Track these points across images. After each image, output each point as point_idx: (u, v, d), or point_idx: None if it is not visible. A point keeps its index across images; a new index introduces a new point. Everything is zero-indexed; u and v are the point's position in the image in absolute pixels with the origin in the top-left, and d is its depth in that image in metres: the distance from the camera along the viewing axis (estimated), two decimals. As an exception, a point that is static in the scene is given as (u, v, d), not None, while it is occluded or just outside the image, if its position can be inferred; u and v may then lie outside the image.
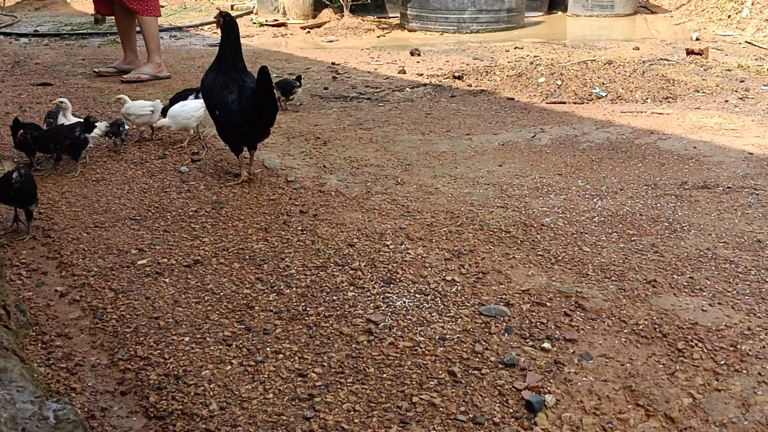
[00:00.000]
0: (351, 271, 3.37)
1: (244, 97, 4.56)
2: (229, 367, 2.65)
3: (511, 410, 2.31)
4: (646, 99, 6.61)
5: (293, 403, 2.42)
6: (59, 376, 2.65)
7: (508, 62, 8.71)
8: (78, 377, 2.64)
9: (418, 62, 9.12)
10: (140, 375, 2.63)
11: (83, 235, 3.92)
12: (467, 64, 8.77)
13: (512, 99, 6.94)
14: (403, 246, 3.60)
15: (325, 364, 2.63)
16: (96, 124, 5.02)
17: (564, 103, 6.66)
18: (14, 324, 2.77)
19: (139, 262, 3.56)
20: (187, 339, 2.85)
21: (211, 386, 2.53)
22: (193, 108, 5.41)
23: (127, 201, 4.44)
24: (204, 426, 2.32)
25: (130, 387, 2.57)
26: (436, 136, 5.76)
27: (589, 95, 6.74)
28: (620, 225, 3.77)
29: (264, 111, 4.53)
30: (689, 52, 8.31)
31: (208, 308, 3.09)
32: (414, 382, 2.48)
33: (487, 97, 7.08)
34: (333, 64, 9.09)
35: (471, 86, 7.61)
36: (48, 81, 8.02)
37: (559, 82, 7.09)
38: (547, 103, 6.73)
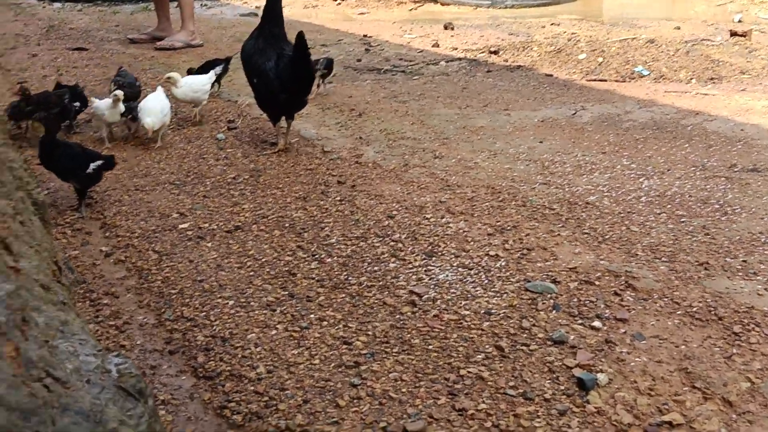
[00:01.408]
0: (392, 243, 3.34)
1: (282, 64, 4.52)
2: (274, 331, 2.64)
3: (562, 387, 2.28)
4: (691, 79, 6.49)
5: (339, 369, 2.41)
6: (108, 333, 2.66)
7: (545, 38, 8.55)
8: (127, 335, 2.65)
9: (452, 36, 8.99)
10: (187, 336, 2.63)
11: (125, 198, 3.93)
12: (502, 40, 8.63)
13: (551, 75, 6.83)
14: (444, 219, 3.56)
15: (369, 333, 2.61)
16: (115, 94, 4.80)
17: (605, 80, 6.54)
18: (65, 280, 2.78)
19: (181, 226, 3.56)
20: (231, 303, 2.85)
21: (257, 350, 2.52)
22: (201, 82, 5.19)
23: (166, 166, 4.43)
24: (252, 388, 2.32)
25: (177, 347, 2.57)
26: (473, 110, 5.69)
27: (631, 74, 6.62)
28: (668, 206, 3.70)
29: (300, 78, 4.50)
30: (733, 34, 8.12)
31: (251, 273, 3.08)
32: (461, 355, 2.45)
33: (525, 72, 6.98)
34: (365, 36, 9.00)
35: (507, 61, 7.50)
36: (83, 46, 8.00)
37: (599, 60, 6.97)
38: (587, 80, 6.62)
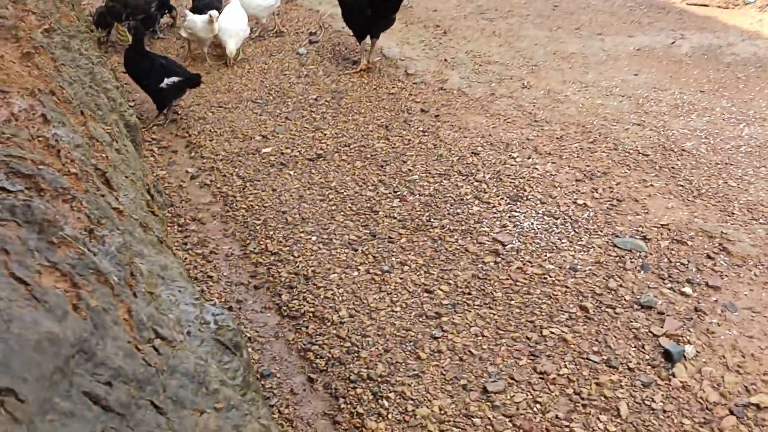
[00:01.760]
0: (475, 183, 3.27)
1: None
2: (356, 273, 2.65)
3: (647, 357, 2.24)
4: (802, 8, 6.00)
5: (420, 319, 2.42)
6: (196, 262, 2.72)
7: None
8: (214, 266, 2.71)
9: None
10: (271, 270, 2.67)
11: (208, 115, 3.94)
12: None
13: (649, -4, 6.42)
14: (531, 160, 3.46)
15: (451, 282, 2.60)
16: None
17: (707, 5, 6.11)
18: (157, 208, 2.84)
19: (264, 150, 3.57)
20: (314, 238, 2.87)
21: (339, 291, 2.55)
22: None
23: (248, 81, 4.41)
24: (335, 332, 2.35)
25: (262, 282, 2.62)
26: (564, 33, 5.43)
27: (736, 0, 6.16)
28: (769, 158, 3.50)
29: None
30: None
31: (333, 207, 3.09)
32: (544, 314, 2.43)
33: (621, -9, 6.57)
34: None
35: (603, -23, 7.06)
36: None
37: (703, -19, 6.49)
38: (687, 4, 6.19)
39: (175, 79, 3.74)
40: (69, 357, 1.04)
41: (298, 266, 2.69)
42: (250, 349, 2.29)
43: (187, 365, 1.42)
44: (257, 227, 2.94)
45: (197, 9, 4.71)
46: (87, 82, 2.70)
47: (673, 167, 3.38)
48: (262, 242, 2.84)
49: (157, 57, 3.88)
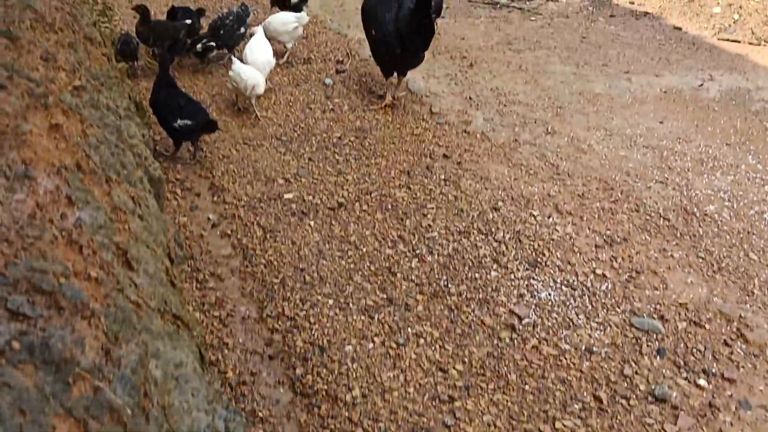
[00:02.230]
0: (495, 243, 3.28)
1: (401, 16, 4.35)
2: (371, 345, 2.68)
3: (658, 458, 2.24)
4: (837, 51, 5.91)
5: (433, 403, 2.43)
6: (212, 326, 2.76)
7: (678, -26, 7.91)
8: (230, 330, 2.75)
9: (576, -39, 8.43)
10: (287, 339, 2.70)
11: (233, 153, 3.97)
12: (630, -29, 8.03)
13: (679, 29, 6.35)
14: (551, 219, 3.45)
15: (466, 360, 2.62)
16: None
17: (738, 42, 6.04)
18: (175, 268, 2.88)
19: (286, 196, 3.59)
20: (330, 302, 2.89)
21: (354, 366, 2.57)
22: (282, 21, 4.90)
23: (273, 114, 4.43)
24: (347, 414, 2.38)
25: (277, 351, 2.65)
26: (591, 69, 5.39)
27: (769, 37, 6.08)
28: (794, 229, 3.47)
29: (419, 33, 4.30)
30: None
31: (351, 266, 3.10)
32: (557, 402, 2.43)
33: (651, 22, 6.51)
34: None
35: (633, 3, 7.01)
36: None
37: (735, 16, 6.41)
38: (718, 39, 6.12)
39: (188, 122, 3.75)
40: None
41: (313, 334, 2.72)
42: (261, 430, 2.32)
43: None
44: (275, 286, 2.97)
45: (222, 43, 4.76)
46: (113, 141, 2.73)
47: (694, 235, 3.36)
48: (278, 304, 2.87)
49: (179, 94, 3.88)
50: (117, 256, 1.98)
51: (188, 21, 4.84)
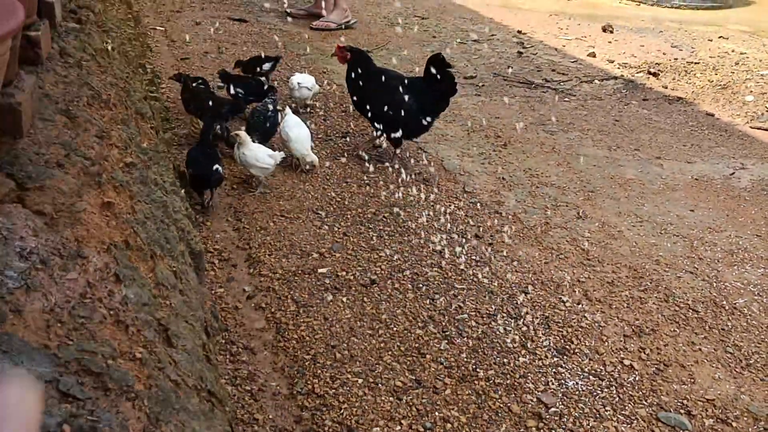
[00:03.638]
0: (523, 328, 3.33)
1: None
2: (398, 427, 2.72)
3: None
4: None
5: (458, 490, 2.46)
6: (244, 401, 2.83)
7: (711, 57, 8.07)
8: (260, 406, 2.82)
9: (610, 42, 8.65)
10: (316, 417, 2.76)
11: (270, 225, 4.10)
12: (664, 53, 8.21)
13: (712, 115, 6.44)
14: (580, 307, 3.50)
15: (492, 447, 2.65)
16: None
17: (771, 130, 6.12)
18: (210, 342, 2.97)
19: (320, 271, 3.69)
20: (360, 381, 2.95)
21: (381, 450, 2.62)
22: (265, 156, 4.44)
23: (310, 188, 4.57)
24: (372, 500, 2.42)
25: (306, 430, 2.71)
26: (623, 153, 5.49)
27: (802, 125, 6.15)
28: (824, 326, 3.47)
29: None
30: None
31: (381, 345, 3.17)
32: (582, 496, 2.45)
33: (684, 107, 6.62)
34: (519, 33, 8.79)
35: (666, 88, 7.14)
36: (243, 17, 8.16)
37: (768, 105, 6.51)
38: (751, 127, 6.20)
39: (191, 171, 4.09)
40: None
41: (342, 413, 2.78)
42: None
43: None
44: (306, 363, 3.04)
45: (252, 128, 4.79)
46: (159, 217, 2.87)
47: (723, 328, 3.38)
48: (309, 381, 2.94)
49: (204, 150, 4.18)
50: (158, 332, 2.09)
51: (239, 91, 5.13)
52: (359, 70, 4.78)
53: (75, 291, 1.80)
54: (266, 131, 4.80)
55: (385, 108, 4.69)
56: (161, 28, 7.57)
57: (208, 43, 7.17)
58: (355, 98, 4.94)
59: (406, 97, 4.71)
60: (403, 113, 4.66)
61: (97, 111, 2.70)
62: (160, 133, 4.12)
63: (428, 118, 4.77)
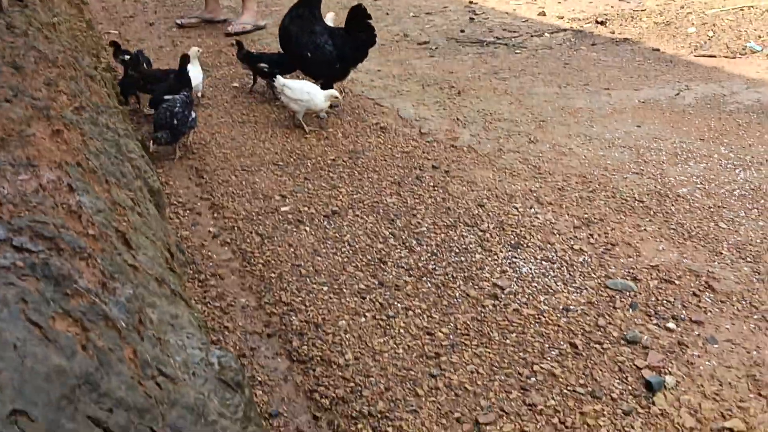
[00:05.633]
0: (479, 233, 3.48)
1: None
2: (363, 319, 2.86)
3: (629, 387, 2.39)
4: (807, 56, 6.17)
5: (421, 359, 2.61)
6: (214, 315, 2.96)
7: (657, 5, 8.28)
8: (230, 317, 2.95)
9: (559, 2, 8.84)
10: (284, 319, 2.90)
11: (232, 178, 4.23)
12: (612, 6, 8.43)
13: (657, 50, 6.65)
14: (533, 210, 3.66)
15: (451, 324, 2.79)
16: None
17: (714, 56, 6.32)
18: (177, 265, 3.10)
19: (282, 209, 3.83)
20: (325, 289, 3.09)
21: (347, 336, 2.76)
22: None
23: (270, 145, 4.71)
24: (340, 374, 2.55)
25: (275, 330, 2.84)
26: (573, 89, 5.67)
27: (743, 49, 6.36)
28: (762, 200, 3.65)
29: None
30: None
31: (345, 260, 3.31)
32: (536, 351, 2.60)
33: (631, 46, 6.82)
34: (471, 2, 8.98)
35: (614, 33, 7.34)
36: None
37: (710, 33, 6.72)
38: (695, 55, 6.41)
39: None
40: (75, 387, 1.27)
41: (309, 315, 2.91)
42: (260, 392, 2.50)
43: (187, 399, 1.63)
44: (272, 280, 3.18)
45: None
46: (113, 153, 2.99)
47: (667, 212, 3.55)
48: (276, 294, 3.07)
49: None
50: (117, 237, 2.20)
51: None
52: (300, 11, 5.07)
53: (27, 189, 1.92)
54: (174, 128, 4.40)
55: (307, 52, 5.02)
56: (115, 32, 7.70)
57: (162, 39, 7.31)
58: (281, 33, 5.22)
59: (327, 44, 5.01)
60: (321, 57, 5.01)
61: (45, 68, 2.82)
62: (113, 97, 4.25)
63: (344, 65, 5.12)
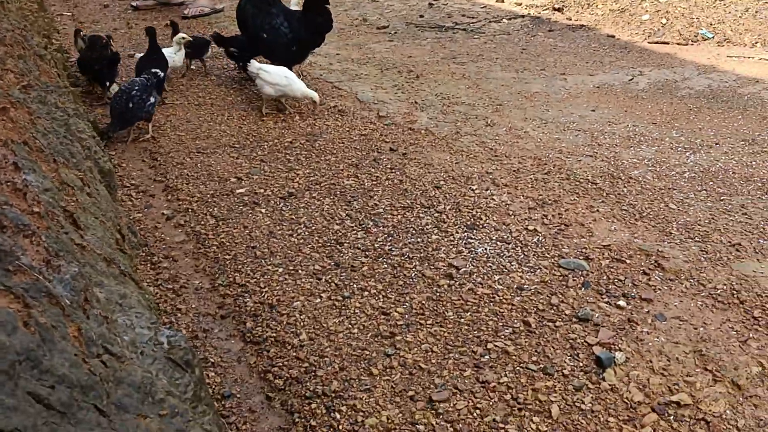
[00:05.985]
0: (436, 214, 3.49)
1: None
2: (318, 300, 2.85)
3: (581, 364, 2.43)
4: (756, 43, 6.30)
5: (376, 339, 2.61)
6: (167, 297, 2.92)
7: (613, -6, 8.38)
8: (183, 299, 2.91)
9: (518, -10, 8.89)
10: (238, 301, 2.87)
11: (187, 160, 4.17)
12: (568, -6, 8.49)
13: (612, 36, 6.74)
14: (489, 191, 3.68)
15: (407, 304, 2.80)
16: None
17: (667, 43, 6.43)
18: (128, 247, 3.04)
19: (238, 191, 3.79)
20: (280, 270, 3.07)
21: (301, 317, 2.74)
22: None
23: (227, 128, 4.66)
24: (294, 354, 2.54)
25: (229, 312, 2.82)
26: (530, 74, 5.71)
27: (695, 36, 6.47)
28: (711, 182, 3.73)
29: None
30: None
31: (301, 241, 3.30)
32: (490, 329, 2.62)
33: (587, 33, 6.90)
34: (430, -11, 8.97)
35: (570, 20, 7.41)
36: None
37: (663, 21, 6.82)
38: (649, 42, 6.51)
39: None
40: (15, 362, 1.23)
41: (263, 296, 2.89)
42: (213, 373, 2.48)
43: (134, 378, 1.60)
44: (227, 262, 3.15)
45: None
46: (62, 133, 2.92)
47: (619, 193, 3.61)
48: (230, 275, 3.04)
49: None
50: (65, 217, 2.15)
51: None
52: None
53: (-31, 167, 1.86)
54: (128, 112, 4.24)
55: (263, 33, 5.01)
56: (68, 14, 7.53)
57: (117, 22, 7.17)
58: (238, 14, 5.23)
59: (283, 26, 5.02)
60: (277, 39, 5.01)
61: (-11, 46, 2.73)
62: (63, 77, 4.14)
63: (302, 49, 5.14)
